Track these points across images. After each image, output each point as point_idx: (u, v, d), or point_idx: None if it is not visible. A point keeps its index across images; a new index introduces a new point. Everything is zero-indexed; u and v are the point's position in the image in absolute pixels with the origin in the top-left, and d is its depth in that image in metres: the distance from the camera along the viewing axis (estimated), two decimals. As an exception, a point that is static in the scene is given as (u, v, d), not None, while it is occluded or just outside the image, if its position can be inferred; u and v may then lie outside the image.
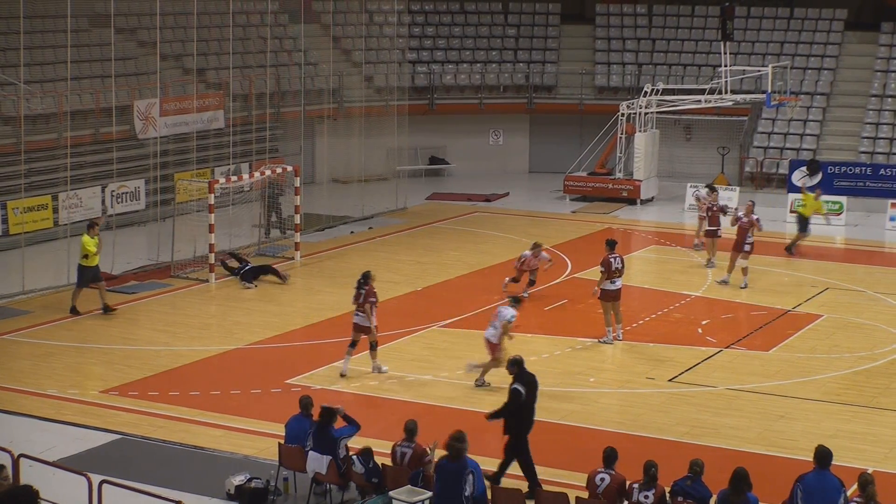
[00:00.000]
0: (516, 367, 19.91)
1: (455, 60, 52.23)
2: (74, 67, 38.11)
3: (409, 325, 27.99)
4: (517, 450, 19.24)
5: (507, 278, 31.36)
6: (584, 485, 17.41)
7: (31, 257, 32.15)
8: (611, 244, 27.69)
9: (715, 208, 34.47)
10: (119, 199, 38.22)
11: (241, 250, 34.19)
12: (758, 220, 32.88)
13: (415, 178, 47.10)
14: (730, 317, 29.92)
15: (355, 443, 18.64)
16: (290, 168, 35.97)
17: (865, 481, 16.07)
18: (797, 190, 42.60)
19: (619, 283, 27.26)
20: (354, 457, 18.13)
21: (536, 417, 19.80)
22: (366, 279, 24.89)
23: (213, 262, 32.33)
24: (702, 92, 44.31)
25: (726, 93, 43.28)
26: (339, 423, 18.63)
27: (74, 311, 29.08)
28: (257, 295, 31.16)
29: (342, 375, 24.64)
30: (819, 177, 43.19)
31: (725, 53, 43.14)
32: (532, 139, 51.73)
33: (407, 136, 45.29)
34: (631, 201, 44.11)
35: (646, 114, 44.55)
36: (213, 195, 32.39)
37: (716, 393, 24.17)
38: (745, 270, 32.36)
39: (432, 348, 26.74)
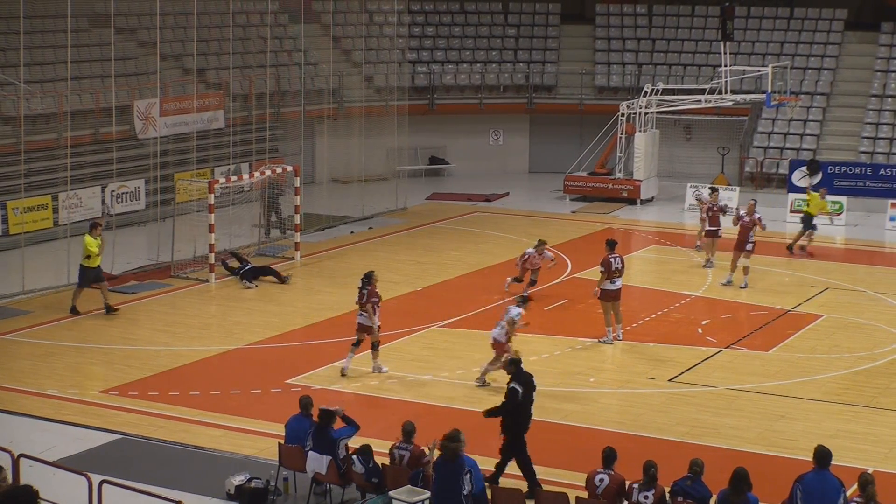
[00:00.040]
0: (513, 366, 19.92)
1: (455, 60, 52.23)
2: (74, 67, 38.11)
3: (409, 325, 27.99)
4: (514, 449, 19.23)
5: (510, 278, 31.34)
6: (583, 484, 17.43)
7: (32, 257, 32.15)
8: (611, 244, 27.69)
9: (715, 208, 34.47)
10: (119, 199, 38.20)
11: (241, 250, 34.17)
12: (760, 219, 32.88)
13: (415, 178, 47.11)
14: (730, 317, 29.92)
15: (354, 442, 18.62)
16: (290, 168, 35.97)
17: (865, 481, 16.06)
18: (797, 190, 42.64)
19: (618, 283, 27.26)
20: (354, 457, 18.12)
21: (536, 417, 19.79)
22: (368, 279, 24.99)
23: (213, 262, 32.34)
24: (702, 92, 44.31)
25: (726, 93, 43.28)
26: (338, 424, 18.64)
27: (74, 311, 29.08)
28: (257, 295, 31.16)
29: (343, 373, 24.67)
30: (819, 177, 43.18)
31: (725, 53, 43.15)
32: (532, 139, 51.73)
33: (407, 136, 45.30)
34: (631, 201, 44.10)
35: (646, 114, 44.55)
36: (212, 195, 32.39)
37: (716, 393, 24.17)
38: (745, 270, 32.36)
39: (432, 348, 26.74)
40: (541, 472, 19.34)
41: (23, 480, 16.73)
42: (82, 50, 41.25)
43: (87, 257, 29.01)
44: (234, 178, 35.23)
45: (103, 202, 37.73)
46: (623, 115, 44.66)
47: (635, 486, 16.55)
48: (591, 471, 17.05)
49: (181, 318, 29.37)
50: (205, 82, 44.13)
